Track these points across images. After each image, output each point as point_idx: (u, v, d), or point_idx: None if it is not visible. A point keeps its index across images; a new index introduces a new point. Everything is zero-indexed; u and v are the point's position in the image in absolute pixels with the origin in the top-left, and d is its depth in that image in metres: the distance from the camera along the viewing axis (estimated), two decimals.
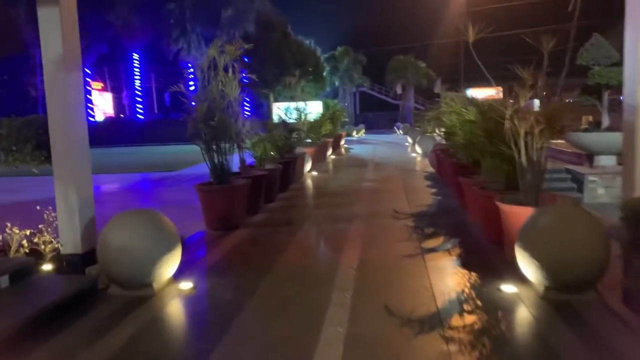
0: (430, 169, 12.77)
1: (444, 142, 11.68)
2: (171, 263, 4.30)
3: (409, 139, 23.25)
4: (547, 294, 3.80)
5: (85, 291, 4.10)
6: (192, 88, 7.18)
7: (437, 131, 15.74)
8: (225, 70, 7.02)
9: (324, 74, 39.40)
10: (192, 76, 7.89)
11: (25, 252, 4.36)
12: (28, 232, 4.44)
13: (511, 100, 4.70)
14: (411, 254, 5.16)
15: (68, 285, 4.07)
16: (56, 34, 4.32)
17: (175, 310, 3.97)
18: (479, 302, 3.81)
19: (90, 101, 37.18)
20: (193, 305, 4.05)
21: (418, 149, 17.57)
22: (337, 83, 44.77)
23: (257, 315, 3.76)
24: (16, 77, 31.97)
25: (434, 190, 9.59)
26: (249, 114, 31.66)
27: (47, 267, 4.42)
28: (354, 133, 33.72)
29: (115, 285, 4.21)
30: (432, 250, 5.31)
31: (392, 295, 4.05)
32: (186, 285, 4.34)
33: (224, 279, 4.61)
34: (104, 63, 37.51)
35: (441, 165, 10.93)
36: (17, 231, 4.35)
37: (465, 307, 3.75)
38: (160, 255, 4.14)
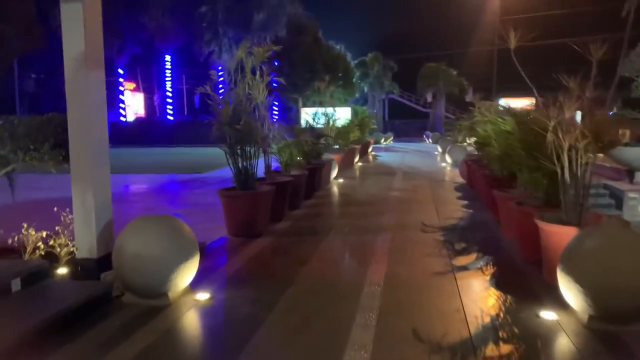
0: (461, 180, 12.41)
1: (475, 152, 11.31)
2: (188, 272, 4.12)
3: (439, 148, 22.84)
4: (592, 323, 3.51)
5: (98, 298, 3.94)
6: (221, 91, 7.06)
7: (467, 141, 15.34)
8: (253, 73, 6.87)
9: (354, 79, 39.18)
10: (222, 79, 7.75)
11: (41, 255, 4.22)
12: (44, 234, 4.29)
13: (555, 112, 4.38)
14: (441, 272, 4.88)
15: (81, 292, 3.91)
16: (78, 30, 4.17)
17: (190, 322, 3.79)
18: (515, 329, 3.52)
19: (123, 101, 37.75)
20: (209, 318, 3.86)
21: (448, 159, 17.18)
22: (366, 89, 44.47)
23: (276, 333, 3.55)
24: (53, 75, 32.47)
25: (464, 202, 9.25)
26: (277, 118, 31.61)
27: (62, 271, 4.28)
28: (382, 140, 33.36)
29: (130, 293, 4.05)
30: (464, 268, 5.01)
31: (421, 317, 3.78)
32: (203, 295, 4.16)
33: (243, 291, 4.40)
34: (137, 64, 38.05)
35: (472, 176, 10.57)
36: (33, 232, 4.21)
37: (501, 334, 3.46)
38: (177, 264, 3.97)
